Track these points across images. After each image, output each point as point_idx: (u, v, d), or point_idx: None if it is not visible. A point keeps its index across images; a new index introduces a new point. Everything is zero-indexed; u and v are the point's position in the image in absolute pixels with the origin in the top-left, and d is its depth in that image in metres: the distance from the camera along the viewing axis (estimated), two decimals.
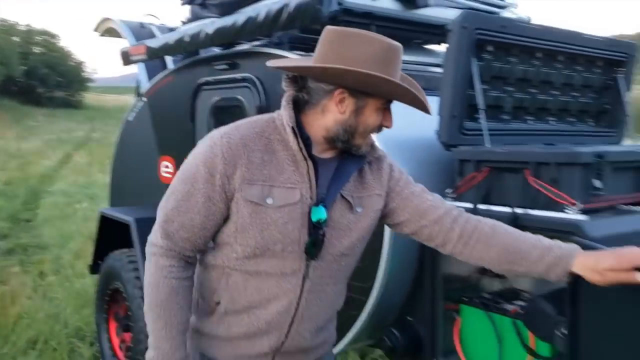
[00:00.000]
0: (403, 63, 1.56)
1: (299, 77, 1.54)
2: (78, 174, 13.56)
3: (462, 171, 2.32)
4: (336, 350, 2.42)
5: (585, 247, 1.63)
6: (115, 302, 3.86)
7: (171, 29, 4.39)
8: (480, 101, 2.46)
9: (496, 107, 2.66)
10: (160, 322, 1.52)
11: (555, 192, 2.02)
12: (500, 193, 2.20)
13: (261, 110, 2.97)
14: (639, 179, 2.29)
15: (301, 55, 2.93)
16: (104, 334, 3.94)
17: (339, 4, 2.69)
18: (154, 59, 4.15)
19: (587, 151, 2.10)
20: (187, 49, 3.65)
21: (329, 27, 1.52)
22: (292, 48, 3.07)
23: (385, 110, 1.55)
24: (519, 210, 2.07)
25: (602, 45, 2.92)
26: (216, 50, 3.71)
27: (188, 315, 1.57)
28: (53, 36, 42.13)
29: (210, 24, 3.32)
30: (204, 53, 3.79)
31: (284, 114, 1.54)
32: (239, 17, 3.11)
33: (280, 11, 2.83)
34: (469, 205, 2.20)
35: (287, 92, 1.57)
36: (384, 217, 1.71)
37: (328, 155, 1.58)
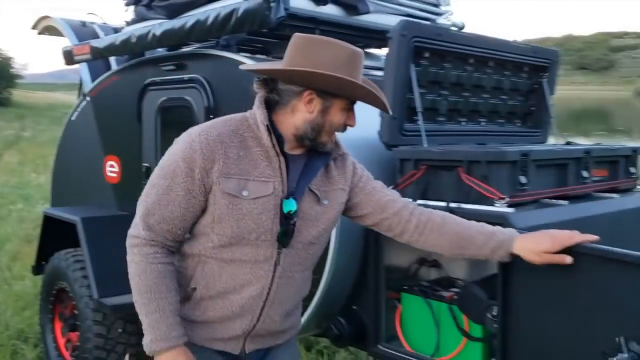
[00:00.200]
0: None
1: (269, 80, 1.67)
2: (10, 174, 13.00)
3: (402, 169, 2.48)
4: None
5: None
6: (60, 301, 3.84)
7: (115, 29, 4.37)
8: (418, 104, 2.63)
9: (433, 109, 2.85)
10: (152, 306, 1.60)
11: (486, 187, 2.20)
12: (437, 189, 2.37)
13: (209, 111, 3.03)
14: (560, 175, 2.51)
15: (248, 57, 3.02)
16: (49, 335, 3.90)
17: (286, 9, 2.79)
18: (98, 59, 4.12)
19: (514, 150, 2.30)
20: (134, 49, 3.66)
21: (297, 34, 1.65)
22: (239, 50, 3.16)
23: (349, 111, 1.70)
24: (453, 205, 2.25)
25: (528, 52, 3.15)
26: (162, 51, 3.74)
27: (177, 297, 1.66)
28: None
29: (158, 26, 3.35)
30: (149, 54, 3.81)
31: (257, 113, 1.65)
32: (188, 19, 3.16)
33: (229, 15, 2.90)
34: (409, 200, 2.36)
35: (259, 94, 1.69)
36: (347, 210, 1.86)
37: (297, 152, 1.71)
